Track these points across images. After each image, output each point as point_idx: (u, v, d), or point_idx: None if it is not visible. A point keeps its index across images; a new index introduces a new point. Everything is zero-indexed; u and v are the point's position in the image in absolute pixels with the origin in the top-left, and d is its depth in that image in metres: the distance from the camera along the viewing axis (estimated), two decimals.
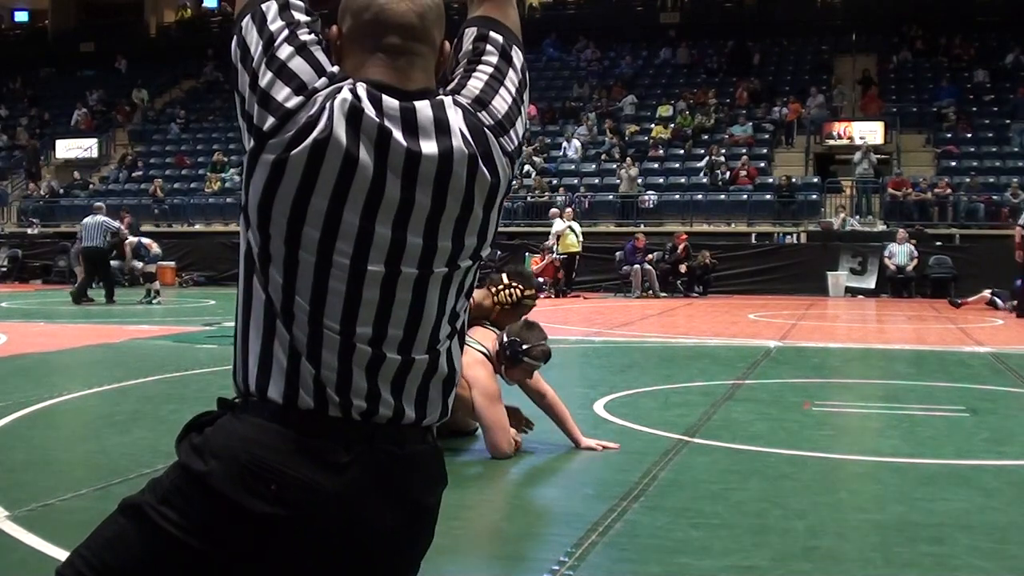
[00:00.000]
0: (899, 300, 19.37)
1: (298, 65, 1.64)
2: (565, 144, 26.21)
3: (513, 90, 1.77)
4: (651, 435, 5.92)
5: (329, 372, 1.61)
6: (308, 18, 1.70)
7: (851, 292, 20.30)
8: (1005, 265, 17.94)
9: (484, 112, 1.71)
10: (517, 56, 1.82)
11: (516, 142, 1.74)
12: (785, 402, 7.37)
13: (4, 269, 24.49)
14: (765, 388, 8.01)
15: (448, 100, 1.69)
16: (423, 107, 1.64)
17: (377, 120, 1.61)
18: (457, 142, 1.65)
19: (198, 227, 25.49)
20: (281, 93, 1.61)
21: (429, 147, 1.63)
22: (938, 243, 20.86)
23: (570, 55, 31.49)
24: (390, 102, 1.63)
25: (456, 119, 1.67)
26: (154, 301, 17.56)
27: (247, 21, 1.69)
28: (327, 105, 1.60)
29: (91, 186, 28.75)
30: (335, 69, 1.67)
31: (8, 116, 33.29)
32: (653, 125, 26.60)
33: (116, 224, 18.05)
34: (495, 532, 4.22)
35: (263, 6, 1.69)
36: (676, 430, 6.03)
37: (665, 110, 27.27)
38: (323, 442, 1.60)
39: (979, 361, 9.98)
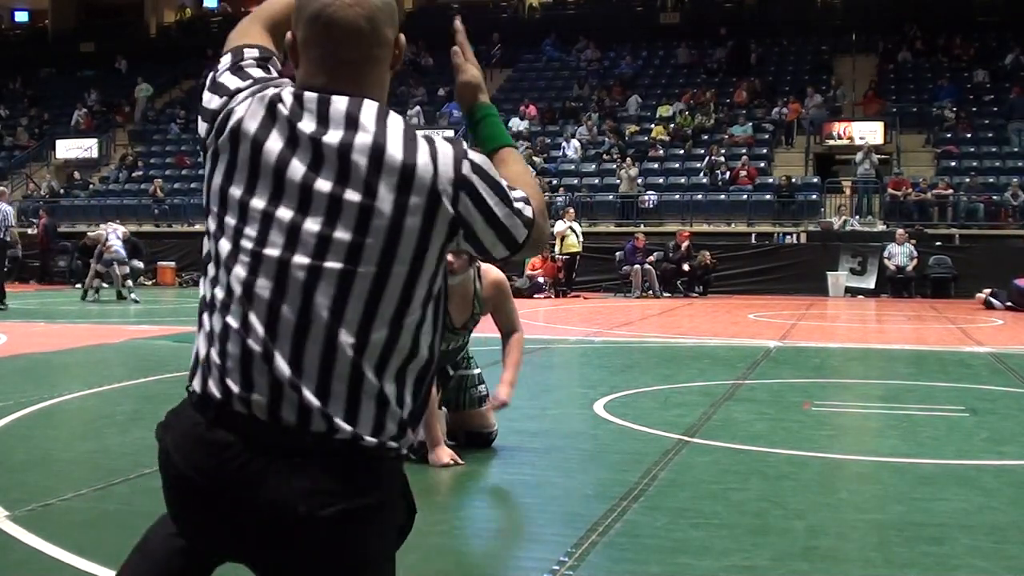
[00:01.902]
0: (899, 300, 19.38)
1: (228, 79, 1.78)
2: (565, 144, 26.21)
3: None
4: (651, 435, 5.92)
5: (233, 365, 1.66)
6: (262, 73, 1.81)
7: (851, 292, 20.31)
8: (1004, 265, 17.98)
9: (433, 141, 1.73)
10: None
11: (453, 179, 1.71)
12: (785, 402, 7.37)
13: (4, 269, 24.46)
14: (765, 388, 8.01)
15: (377, 105, 1.70)
16: (339, 100, 1.68)
17: (288, 110, 1.68)
18: (365, 136, 1.66)
19: (198, 227, 25.46)
20: (213, 103, 1.76)
21: (335, 136, 1.66)
22: (938, 243, 20.87)
23: (570, 55, 31.48)
24: (310, 95, 1.69)
25: (371, 116, 1.68)
26: (87, 297, 17.73)
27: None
28: (247, 99, 1.71)
29: (91, 186, 28.77)
30: (262, 75, 1.77)
31: (8, 116, 33.30)
32: (653, 125, 26.61)
33: (6, 209, 17.66)
34: (495, 532, 4.22)
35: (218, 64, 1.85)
36: (676, 430, 6.03)
37: (665, 110, 27.28)
38: (224, 434, 1.66)
39: (979, 361, 9.98)
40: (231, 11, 37.18)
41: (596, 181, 24.75)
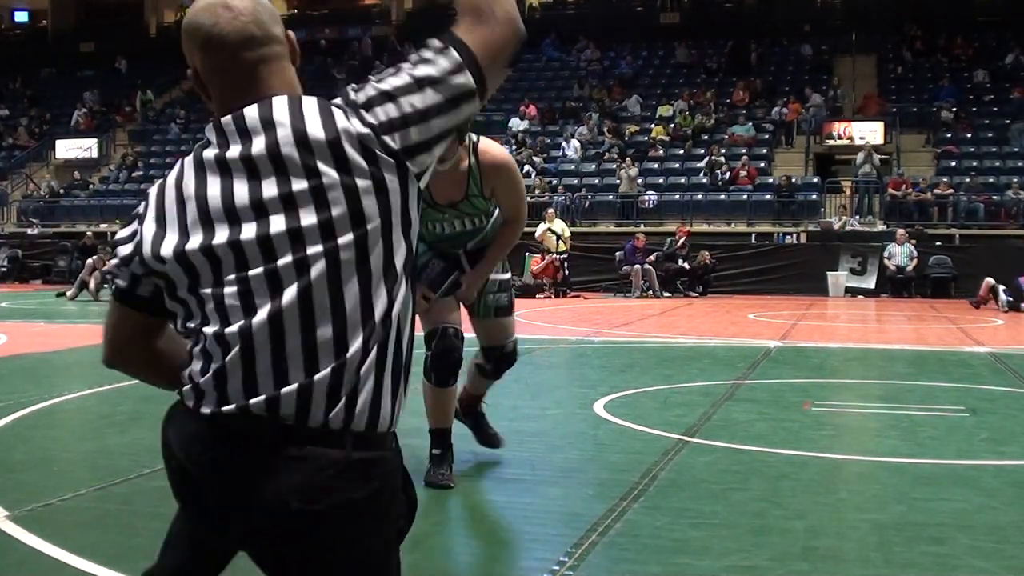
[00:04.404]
0: (899, 300, 19.38)
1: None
2: (565, 144, 26.20)
3: (407, 78, 1.71)
4: (651, 435, 5.92)
5: (232, 371, 1.72)
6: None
7: (851, 292, 20.31)
8: (1004, 265, 17.97)
9: (347, 103, 1.71)
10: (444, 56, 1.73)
11: (383, 119, 1.69)
12: (785, 402, 7.37)
13: (4, 269, 24.49)
14: (765, 388, 8.01)
15: (286, 97, 1.72)
16: (250, 110, 1.71)
17: (216, 148, 1.72)
18: (284, 130, 1.68)
19: None
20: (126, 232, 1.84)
21: (260, 144, 1.68)
22: (938, 243, 20.86)
23: (570, 55, 31.48)
24: (227, 120, 1.72)
25: (283, 110, 1.69)
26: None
27: None
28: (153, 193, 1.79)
29: (91, 186, 28.77)
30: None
31: (8, 116, 33.30)
32: (653, 125, 26.61)
33: None
34: (495, 532, 4.22)
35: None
36: (676, 430, 6.03)
37: (665, 110, 27.28)
38: (220, 431, 1.71)
39: (979, 361, 9.98)
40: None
41: (596, 181, 24.74)
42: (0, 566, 3.58)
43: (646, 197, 23.46)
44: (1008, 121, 24.90)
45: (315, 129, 1.67)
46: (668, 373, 8.90)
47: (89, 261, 18.58)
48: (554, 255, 20.23)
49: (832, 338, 12.42)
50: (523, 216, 4.78)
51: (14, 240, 25.86)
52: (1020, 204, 21.61)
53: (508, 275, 4.99)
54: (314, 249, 1.65)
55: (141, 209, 1.82)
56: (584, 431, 6.11)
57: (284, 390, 1.65)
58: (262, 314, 1.66)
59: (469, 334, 4.82)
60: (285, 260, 1.66)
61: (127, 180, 28.59)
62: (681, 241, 20.38)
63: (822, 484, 4.95)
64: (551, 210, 21.20)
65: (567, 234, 20.62)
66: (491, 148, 4.61)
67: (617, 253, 20.57)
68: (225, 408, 1.66)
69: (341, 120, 1.68)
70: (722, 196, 23.35)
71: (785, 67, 29.71)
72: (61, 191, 28.76)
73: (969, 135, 25.00)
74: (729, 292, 20.22)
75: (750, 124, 25.88)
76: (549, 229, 20.23)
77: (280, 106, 1.71)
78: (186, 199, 1.72)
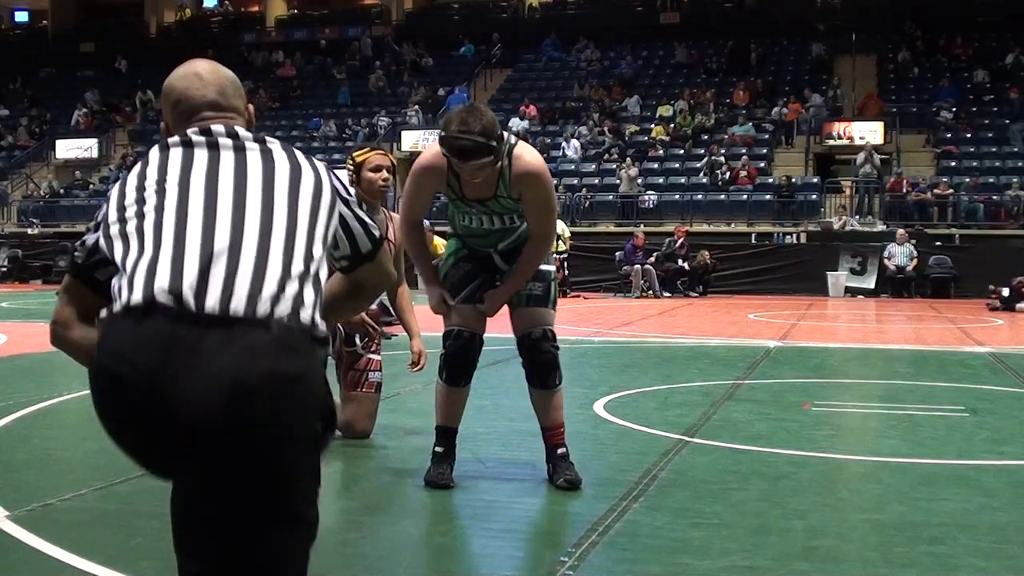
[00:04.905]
0: (899, 300, 19.39)
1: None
2: (565, 144, 26.20)
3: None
4: (651, 435, 5.92)
5: (175, 268, 1.94)
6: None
7: (851, 292, 20.32)
8: (1004, 265, 17.98)
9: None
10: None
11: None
12: (785, 402, 7.37)
13: (4, 269, 24.49)
14: (765, 388, 8.01)
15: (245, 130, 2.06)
16: (216, 123, 2.04)
17: (177, 139, 2.02)
18: (246, 134, 2.02)
19: None
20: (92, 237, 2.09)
21: (223, 139, 2.00)
22: (938, 243, 20.88)
23: (570, 55, 31.48)
24: (192, 128, 2.04)
25: (245, 132, 2.04)
26: None
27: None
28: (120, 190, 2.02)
29: (91, 186, 28.77)
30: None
31: (8, 116, 33.30)
32: (653, 125, 26.60)
33: None
34: (495, 532, 4.21)
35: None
36: (676, 430, 6.03)
37: (665, 110, 27.28)
38: (154, 324, 1.88)
39: (979, 361, 9.98)
40: (231, 11, 37.24)
41: (596, 181, 24.75)
42: (0, 566, 3.58)
43: (646, 197, 23.47)
44: (1008, 121, 24.91)
45: (275, 140, 2.04)
46: (668, 373, 8.90)
47: None
48: (554, 255, 20.20)
49: (832, 338, 12.42)
50: (547, 234, 4.62)
51: (14, 240, 25.86)
52: (1020, 204, 21.68)
53: (550, 267, 4.78)
54: (254, 196, 1.92)
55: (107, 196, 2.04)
56: (584, 431, 6.10)
57: (211, 272, 1.79)
58: (196, 206, 1.88)
59: (488, 334, 4.82)
60: (225, 203, 1.90)
61: None
62: (680, 241, 20.41)
63: (822, 484, 4.95)
64: None
65: (567, 234, 20.62)
66: (525, 154, 4.47)
67: (617, 253, 20.58)
68: (156, 291, 1.77)
69: (306, 157, 2.06)
70: (722, 196, 23.36)
71: (785, 67, 29.71)
72: (61, 191, 28.76)
73: (969, 135, 25.01)
74: (729, 292, 20.23)
75: (750, 124, 25.90)
76: None
77: (243, 130, 2.05)
78: (148, 172, 1.96)
